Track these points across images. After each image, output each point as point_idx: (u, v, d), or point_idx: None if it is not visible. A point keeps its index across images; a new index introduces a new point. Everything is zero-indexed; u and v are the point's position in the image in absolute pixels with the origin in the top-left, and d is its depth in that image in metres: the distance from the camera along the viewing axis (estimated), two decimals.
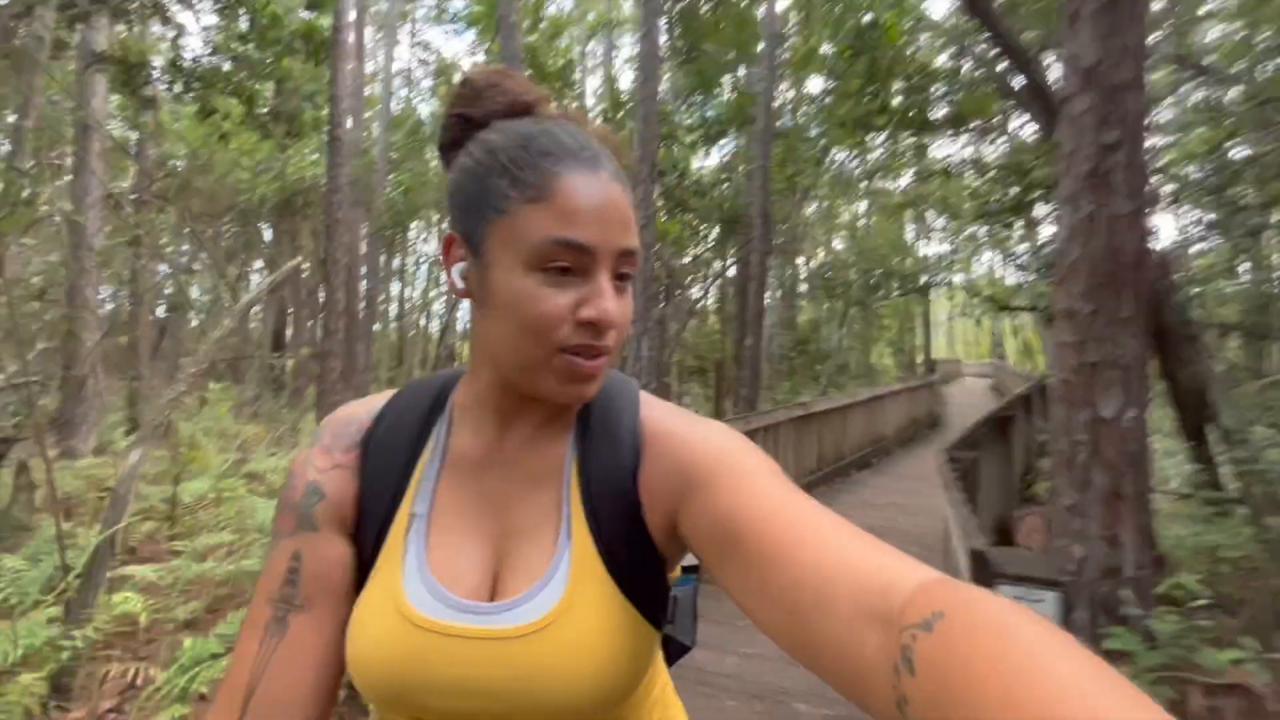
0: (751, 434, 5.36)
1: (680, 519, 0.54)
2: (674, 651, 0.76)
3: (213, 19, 8.12)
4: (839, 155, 14.54)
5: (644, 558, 0.57)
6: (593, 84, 19.34)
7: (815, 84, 13.60)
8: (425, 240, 26.27)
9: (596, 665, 0.53)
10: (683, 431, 0.58)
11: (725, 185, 10.16)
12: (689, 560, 0.73)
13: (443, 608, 0.54)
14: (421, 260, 26.83)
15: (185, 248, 15.54)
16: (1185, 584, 2.48)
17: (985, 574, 2.33)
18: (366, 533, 0.59)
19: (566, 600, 0.54)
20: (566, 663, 0.52)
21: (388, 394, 0.65)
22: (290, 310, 17.96)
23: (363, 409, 0.64)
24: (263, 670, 0.54)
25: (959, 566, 2.70)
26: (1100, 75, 2.88)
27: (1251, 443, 3.71)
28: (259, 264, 19.00)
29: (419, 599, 0.55)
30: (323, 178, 14.35)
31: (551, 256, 0.52)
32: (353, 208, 14.50)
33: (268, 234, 17.99)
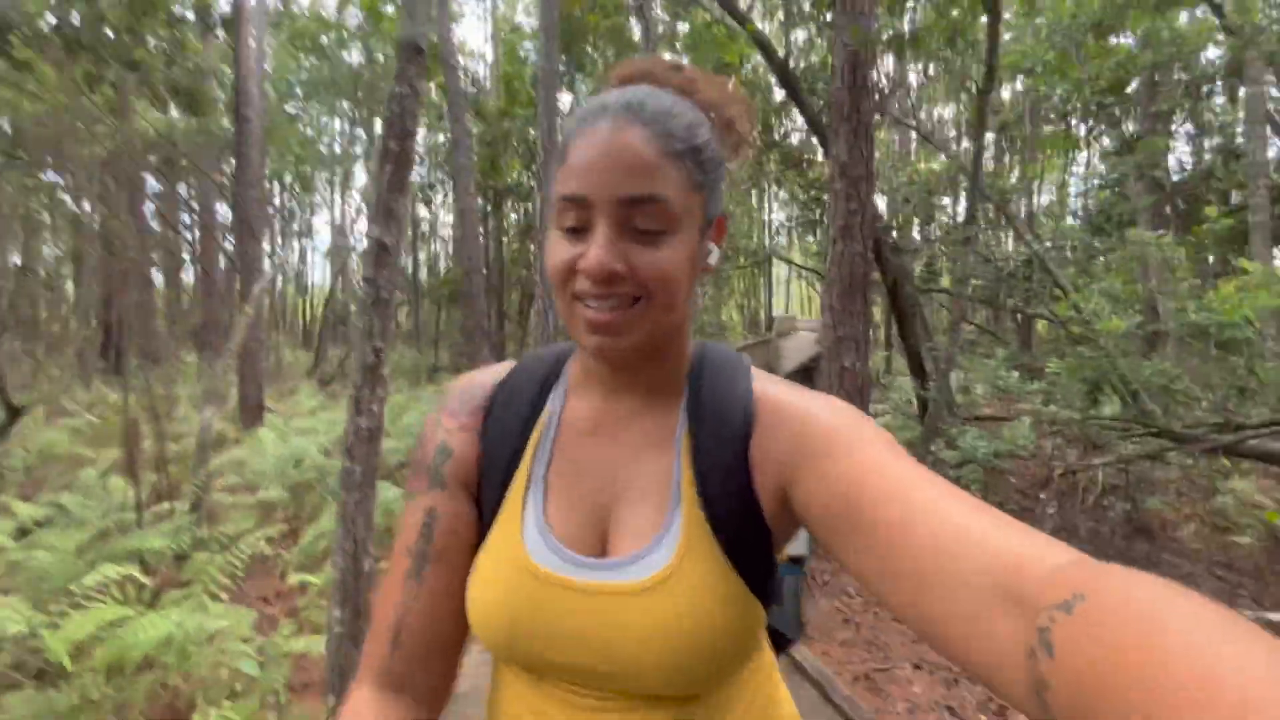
0: None
1: (794, 490, 0.54)
2: (776, 644, 0.76)
3: None
4: None
5: (752, 529, 0.57)
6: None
7: None
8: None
9: (701, 626, 0.54)
10: (796, 402, 0.58)
11: None
12: (793, 550, 0.73)
13: (559, 561, 0.57)
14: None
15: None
16: None
17: None
18: (487, 491, 0.62)
19: (676, 562, 0.55)
20: (673, 621, 0.53)
21: (510, 364, 0.69)
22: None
23: (488, 376, 0.68)
24: (406, 613, 0.60)
25: None
26: (847, 168, 4.95)
27: (942, 382, 6.24)
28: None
29: (538, 553, 0.57)
30: (181, 133, 13.61)
31: (562, 213, 0.55)
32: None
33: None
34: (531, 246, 15.57)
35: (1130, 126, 11.45)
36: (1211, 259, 11.16)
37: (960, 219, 13.19)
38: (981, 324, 14.32)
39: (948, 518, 0.42)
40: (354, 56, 18.83)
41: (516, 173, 14.25)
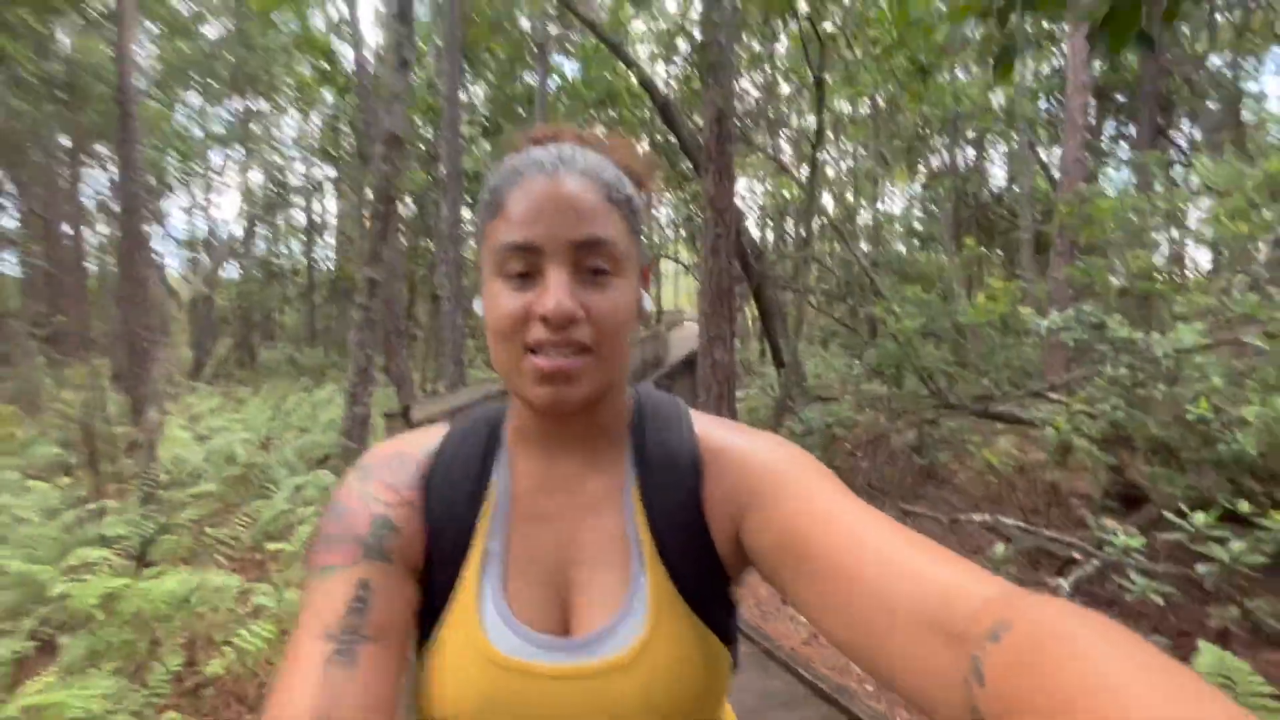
0: None
1: (743, 533, 0.55)
2: None
3: None
4: None
5: (713, 578, 0.57)
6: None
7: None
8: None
9: (688, 694, 0.53)
10: (741, 446, 0.59)
11: None
12: None
13: (527, 646, 0.54)
14: None
15: None
16: None
17: None
18: (438, 575, 0.57)
19: (650, 631, 0.53)
20: (659, 695, 0.52)
21: (434, 430, 0.65)
22: None
23: (412, 447, 0.62)
24: (335, 705, 0.45)
25: None
26: (714, 200, 6.13)
27: (793, 368, 7.64)
28: None
29: (501, 639, 0.54)
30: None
31: (506, 262, 0.53)
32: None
33: None
34: (429, 244, 15.76)
35: (943, 157, 13.92)
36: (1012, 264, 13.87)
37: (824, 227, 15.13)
38: (840, 318, 16.53)
39: (882, 552, 0.44)
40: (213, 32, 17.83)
41: (412, 174, 14.46)
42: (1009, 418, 5.95)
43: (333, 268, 18.21)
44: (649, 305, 0.61)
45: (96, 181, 20.46)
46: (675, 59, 11.95)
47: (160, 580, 3.23)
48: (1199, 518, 3.11)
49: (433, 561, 0.57)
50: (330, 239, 20.90)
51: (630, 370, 0.61)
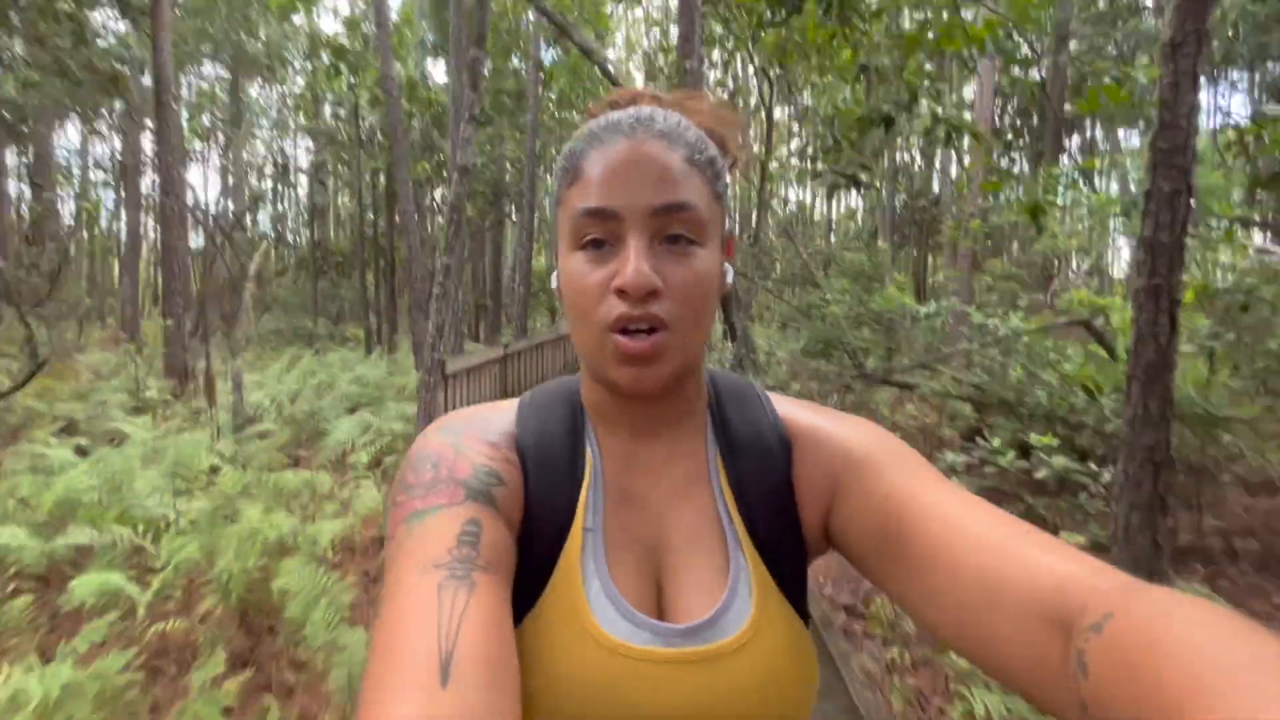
0: (536, 348, 9.49)
1: (834, 513, 0.55)
2: None
3: None
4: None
5: (797, 559, 0.57)
6: None
7: None
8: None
9: (797, 675, 0.53)
10: (829, 426, 0.58)
11: (490, 167, 13.58)
12: None
13: (640, 631, 0.51)
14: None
15: None
16: None
17: None
18: (536, 547, 0.54)
19: (758, 613, 0.53)
20: (775, 675, 0.51)
21: (501, 405, 0.62)
22: None
23: (496, 418, 0.59)
24: (456, 630, 0.40)
25: None
26: None
27: (743, 341, 9.18)
28: None
29: (611, 623, 0.51)
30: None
31: (583, 230, 0.52)
32: None
33: None
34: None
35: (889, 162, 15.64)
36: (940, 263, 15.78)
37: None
38: (796, 305, 18.28)
39: (990, 540, 0.43)
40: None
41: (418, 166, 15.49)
42: (908, 385, 7.59)
43: (327, 243, 19.02)
44: (731, 277, 0.59)
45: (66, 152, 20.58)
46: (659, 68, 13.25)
47: (281, 474, 4.57)
48: (995, 442, 4.72)
49: (529, 534, 0.54)
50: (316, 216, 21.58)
51: None
